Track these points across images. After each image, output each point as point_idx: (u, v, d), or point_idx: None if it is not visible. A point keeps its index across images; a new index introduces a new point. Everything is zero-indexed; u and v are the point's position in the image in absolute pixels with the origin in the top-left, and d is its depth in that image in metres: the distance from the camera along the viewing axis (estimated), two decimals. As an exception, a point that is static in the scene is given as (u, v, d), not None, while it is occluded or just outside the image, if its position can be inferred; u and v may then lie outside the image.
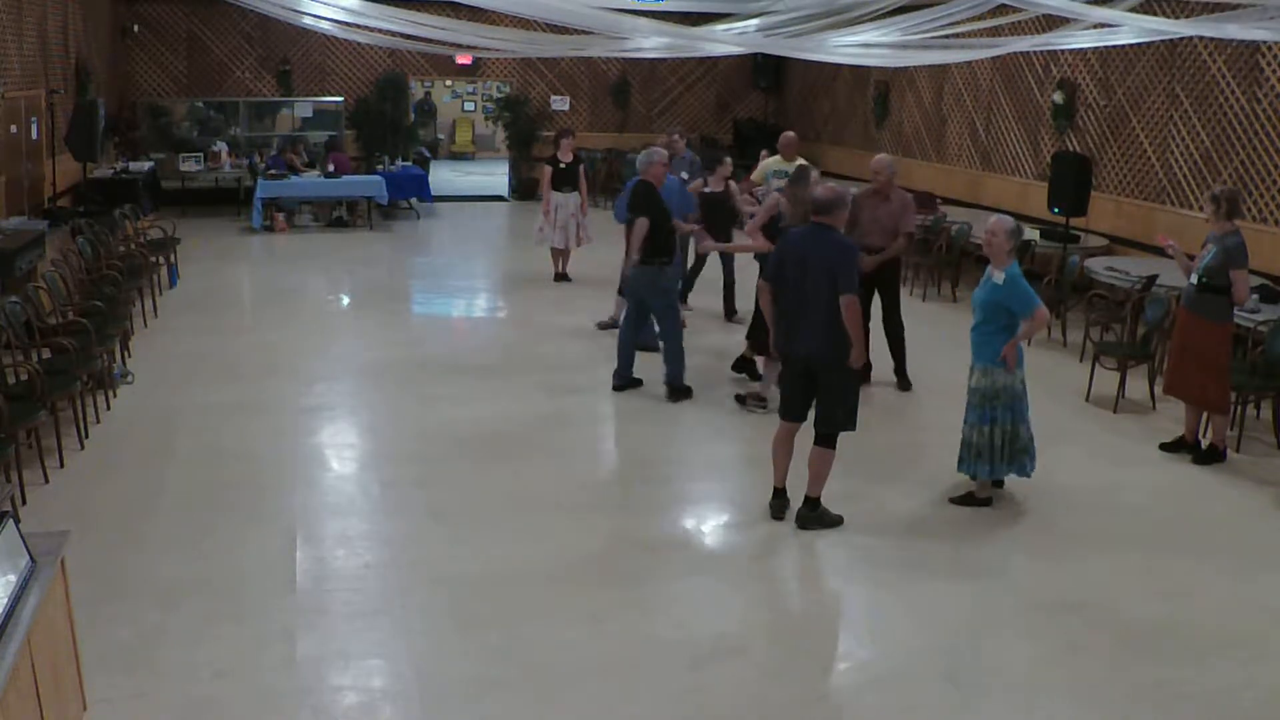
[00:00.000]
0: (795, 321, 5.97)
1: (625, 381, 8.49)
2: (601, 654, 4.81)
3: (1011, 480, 6.56)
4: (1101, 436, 7.79)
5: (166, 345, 9.62)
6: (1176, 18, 8.47)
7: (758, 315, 7.90)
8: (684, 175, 11.75)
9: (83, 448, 7.07)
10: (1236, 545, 6.09)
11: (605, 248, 11.85)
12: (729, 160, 10.74)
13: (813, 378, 5.96)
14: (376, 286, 12.57)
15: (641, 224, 8.23)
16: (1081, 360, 9.27)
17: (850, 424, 6.02)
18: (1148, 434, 7.76)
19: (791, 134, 10.95)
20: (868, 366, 8.33)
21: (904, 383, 8.75)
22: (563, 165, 12.13)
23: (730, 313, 10.79)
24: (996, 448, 6.21)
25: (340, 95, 18.62)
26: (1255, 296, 7.89)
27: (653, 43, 11.67)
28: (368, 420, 7.97)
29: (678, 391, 8.29)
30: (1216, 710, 4.51)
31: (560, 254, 12.39)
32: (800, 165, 8.38)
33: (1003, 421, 6.19)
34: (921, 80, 15.63)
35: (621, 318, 8.95)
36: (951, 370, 8.30)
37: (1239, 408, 7.59)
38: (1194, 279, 7.07)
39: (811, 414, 6.08)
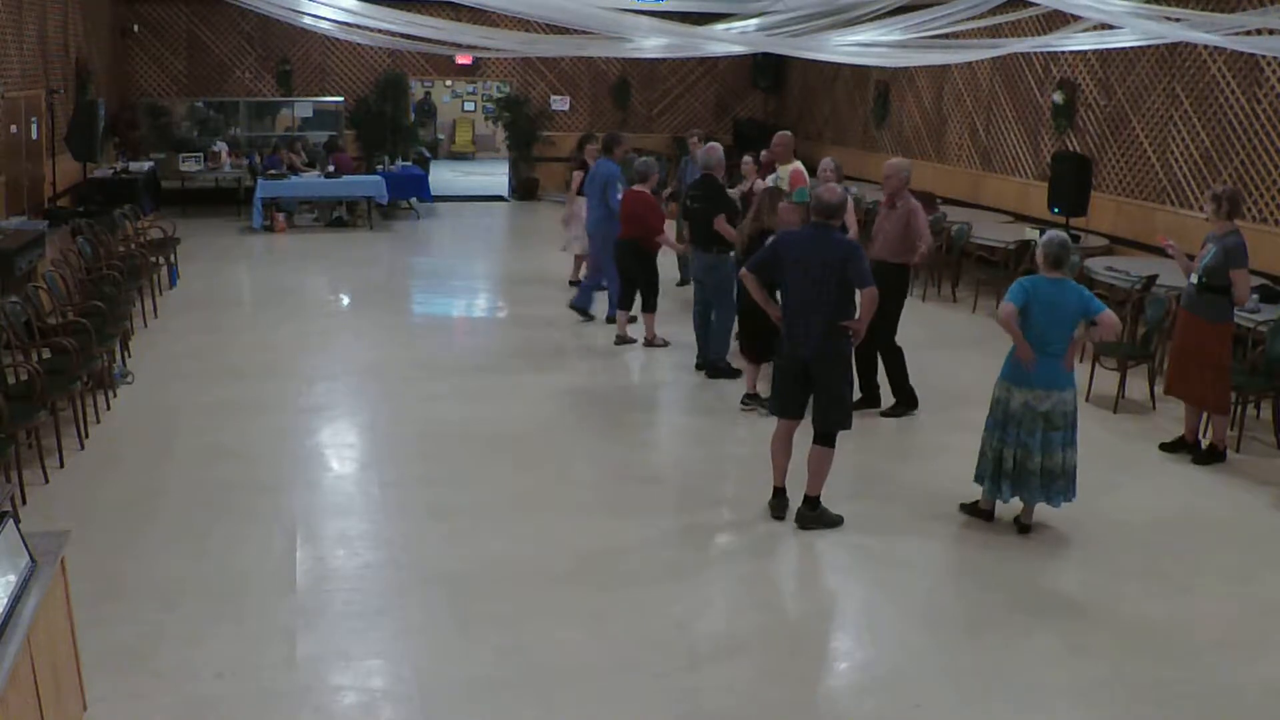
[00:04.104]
0: (794, 322, 5.98)
1: (715, 367, 8.82)
2: (601, 654, 4.80)
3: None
4: (1101, 436, 7.78)
5: (166, 345, 9.62)
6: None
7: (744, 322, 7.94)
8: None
9: (83, 448, 7.07)
10: (1236, 545, 6.10)
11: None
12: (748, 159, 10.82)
13: (810, 377, 5.97)
14: (376, 286, 12.57)
15: (720, 220, 8.48)
16: (1081, 360, 9.25)
17: (848, 422, 6.03)
18: (1148, 434, 7.77)
19: (786, 134, 10.13)
20: (876, 396, 8.25)
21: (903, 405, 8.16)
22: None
23: None
24: (1003, 467, 6.00)
25: (340, 95, 18.63)
26: (1255, 296, 7.88)
27: (653, 43, 11.68)
28: (368, 420, 7.97)
29: (718, 371, 8.76)
30: (1217, 710, 4.51)
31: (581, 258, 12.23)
32: (769, 189, 8.21)
33: (1012, 442, 5.94)
34: (921, 80, 15.63)
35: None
36: (951, 371, 8.34)
37: (1239, 408, 7.59)
38: (1194, 279, 7.07)
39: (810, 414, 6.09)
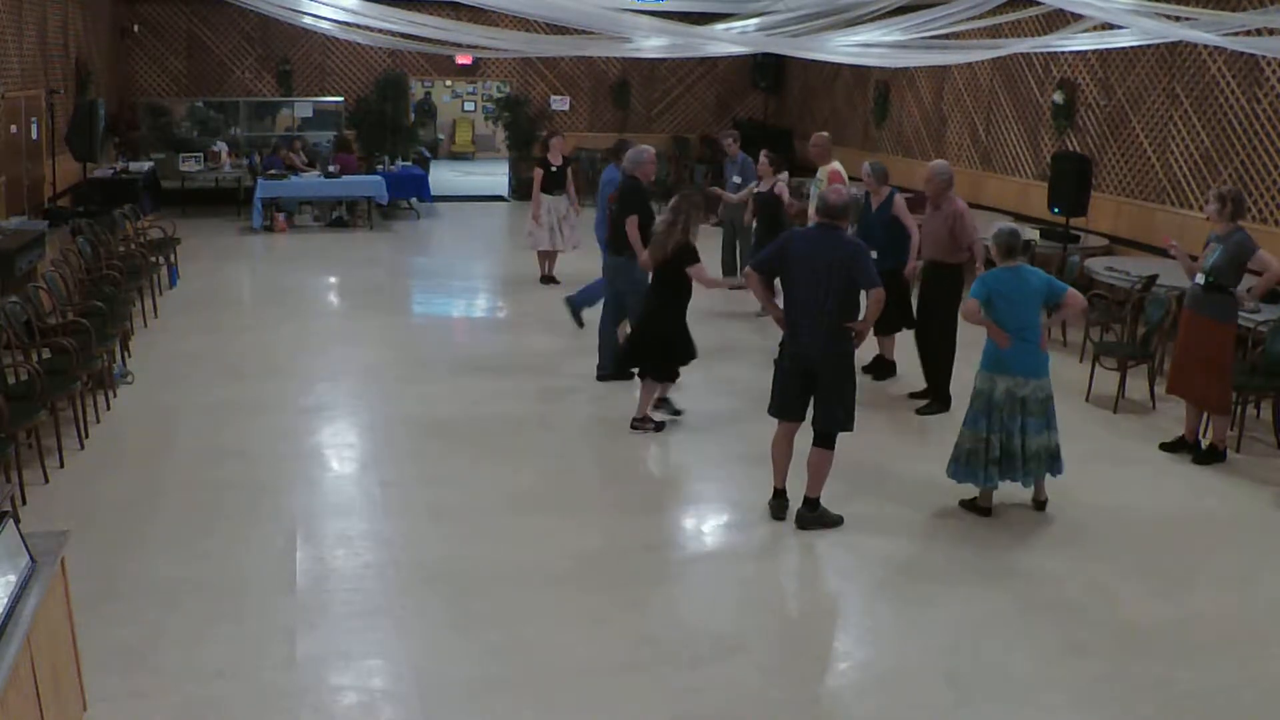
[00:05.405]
0: (799, 321, 5.97)
1: (607, 373, 8.62)
2: (601, 654, 4.81)
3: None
4: (1101, 436, 7.79)
5: (166, 345, 9.62)
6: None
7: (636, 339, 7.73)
8: (736, 179, 11.78)
9: (83, 448, 7.07)
10: (1236, 545, 6.10)
11: (594, 250, 11.81)
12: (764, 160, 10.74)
13: (813, 377, 5.96)
14: (376, 286, 12.57)
15: (632, 222, 8.25)
16: (1081, 360, 9.27)
17: (849, 424, 6.02)
18: (1148, 434, 7.77)
19: (824, 135, 10.09)
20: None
21: (940, 402, 8.19)
22: (554, 168, 12.09)
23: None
24: (990, 455, 6.11)
25: (340, 95, 18.62)
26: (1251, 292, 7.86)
27: (653, 43, 11.69)
28: (368, 420, 7.97)
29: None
30: (1216, 709, 4.51)
31: (546, 256, 12.40)
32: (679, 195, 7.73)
33: (997, 429, 6.07)
34: (921, 80, 15.62)
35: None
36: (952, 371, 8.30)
37: (1239, 408, 7.59)
38: (1200, 279, 7.06)
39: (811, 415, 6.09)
